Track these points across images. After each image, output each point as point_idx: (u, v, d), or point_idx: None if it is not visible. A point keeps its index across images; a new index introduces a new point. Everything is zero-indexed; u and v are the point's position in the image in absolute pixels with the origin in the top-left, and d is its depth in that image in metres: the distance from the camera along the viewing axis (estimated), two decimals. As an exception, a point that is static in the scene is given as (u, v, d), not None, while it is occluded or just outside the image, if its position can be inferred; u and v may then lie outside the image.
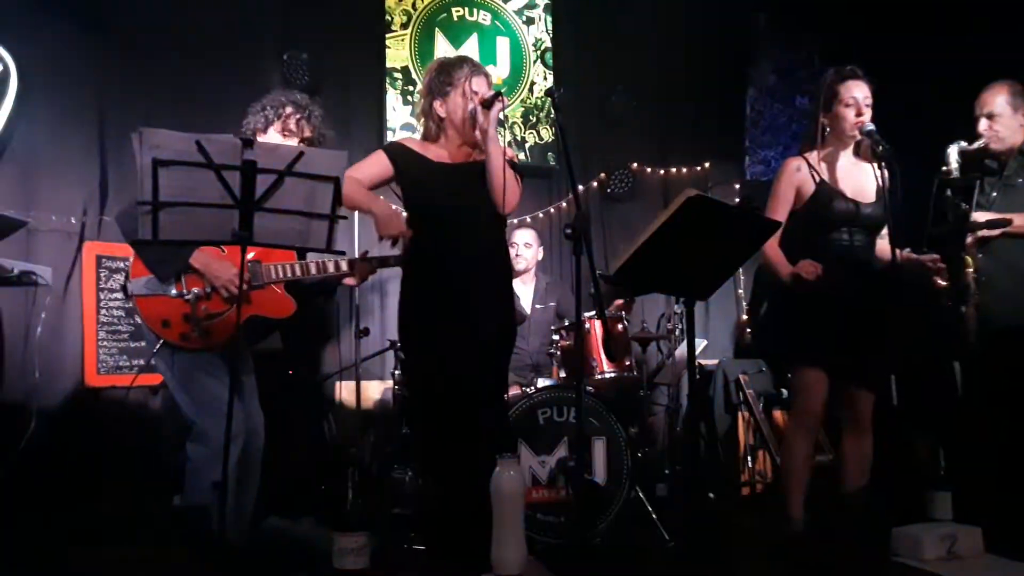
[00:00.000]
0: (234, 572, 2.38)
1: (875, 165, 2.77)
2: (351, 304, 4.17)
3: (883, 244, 2.88)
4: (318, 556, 2.60)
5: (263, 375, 2.93)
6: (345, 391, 4.26)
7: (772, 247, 2.78)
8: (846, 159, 2.89)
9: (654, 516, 3.29)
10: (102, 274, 3.86)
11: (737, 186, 5.17)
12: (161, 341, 2.65)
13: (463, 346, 2.56)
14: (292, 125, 2.80)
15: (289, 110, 2.81)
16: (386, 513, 3.41)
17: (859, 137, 2.82)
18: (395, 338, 3.92)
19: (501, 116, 2.61)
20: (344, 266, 2.84)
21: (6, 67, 3.70)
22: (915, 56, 4.22)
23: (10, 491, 3.16)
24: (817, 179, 2.84)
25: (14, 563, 1.90)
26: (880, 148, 2.71)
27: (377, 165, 2.68)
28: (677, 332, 4.03)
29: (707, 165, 5.18)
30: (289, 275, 2.79)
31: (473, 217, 2.62)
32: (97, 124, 3.96)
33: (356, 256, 2.93)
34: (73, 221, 3.84)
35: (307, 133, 2.82)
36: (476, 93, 2.62)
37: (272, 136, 2.79)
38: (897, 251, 2.71)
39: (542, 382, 3.48)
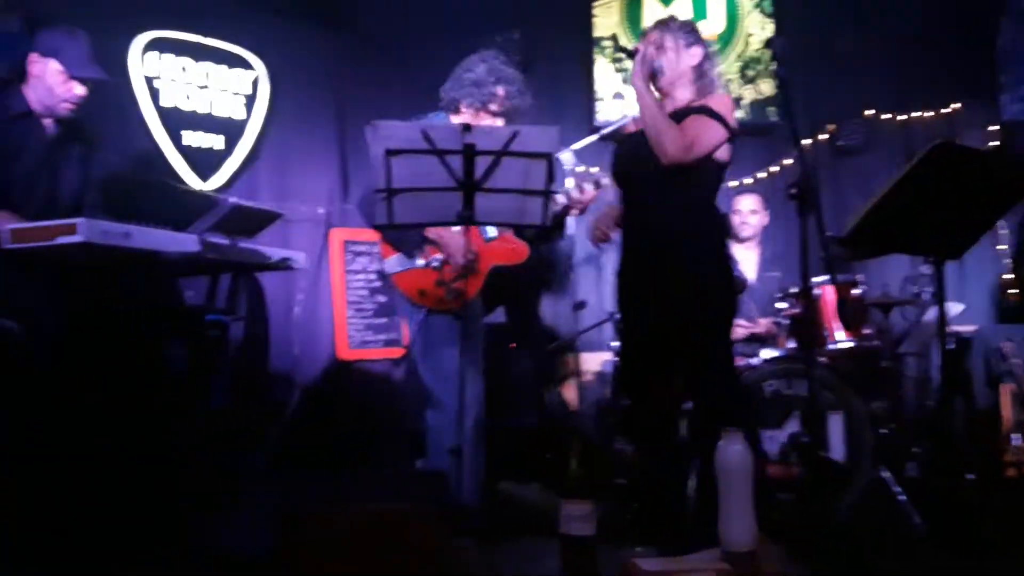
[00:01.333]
0: (470, 533, 2.54)
1: None
2: (569, 279, 4.25)
3: None
4: (545, 521, 2.69)
5: (491, 348, 3.07)
6: (567, 363, 4.35)
7: (1041, 196, 2.43)
8: None
9: (901, 497, 3.04)
10: (348, 257, 4.25)
11: (993, 129, 4.56)
12: (423, 311, 2.84)
13: (640, 313, 2.60)
14: (492, 105, 2.87)
15: (491, 86, 2.87)
16: (609, 483, 3.45)
17: None
18: (612, 310, 3.95)
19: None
20: (561, 199, 2.87)
21: (258, 73, 4.16)
22: None
23: (281, 455, 3.60)
24: (1099, 114, 2.44)
25: (278, 519, 2.18)
26: None
27: None
28: (924, 296, 3.65)
29: (955, 107, 4.61)
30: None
31: (648, 178, 2.56)
32: (336, 119, 4.35)
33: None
34: (320, 211, 4.25)
35: (495, 108, 2.87)
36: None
37: (469, 114, 2.88)
38: None
39: (767, 352, 3.32)
